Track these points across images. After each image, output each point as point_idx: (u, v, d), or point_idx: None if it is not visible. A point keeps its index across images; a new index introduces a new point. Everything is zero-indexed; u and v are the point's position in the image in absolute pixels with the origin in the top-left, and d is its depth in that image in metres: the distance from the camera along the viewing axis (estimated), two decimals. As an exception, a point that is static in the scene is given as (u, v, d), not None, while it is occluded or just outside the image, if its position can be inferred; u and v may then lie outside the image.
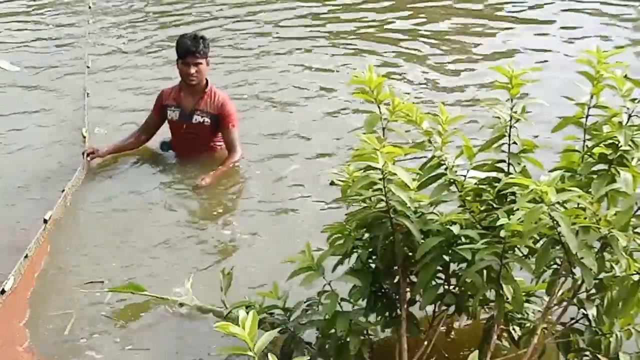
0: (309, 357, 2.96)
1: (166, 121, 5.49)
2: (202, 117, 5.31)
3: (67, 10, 9.50)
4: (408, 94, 6.28)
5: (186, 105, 5.35)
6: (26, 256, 3.73)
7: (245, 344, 2.39)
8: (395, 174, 2.83)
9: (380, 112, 2.92)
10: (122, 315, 3.78)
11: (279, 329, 2.83)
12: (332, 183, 3.13)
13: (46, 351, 3.53)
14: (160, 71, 7.18)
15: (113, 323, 3.72)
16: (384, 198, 2.89)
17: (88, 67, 7.18)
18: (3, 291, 3.38)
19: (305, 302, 3.29)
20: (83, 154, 5.38)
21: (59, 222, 4.59)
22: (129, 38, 8.36)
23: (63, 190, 4.63)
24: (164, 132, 5.56)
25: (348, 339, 3.04)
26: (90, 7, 8.80)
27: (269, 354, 2.50)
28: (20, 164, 5.46)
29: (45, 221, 4.14)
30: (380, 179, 2.85)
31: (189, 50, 5.15)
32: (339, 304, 3.06)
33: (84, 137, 5.63)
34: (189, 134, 5.38)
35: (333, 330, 3.06)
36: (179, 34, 5.73)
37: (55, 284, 4.03)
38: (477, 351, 2.51)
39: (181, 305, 3.72)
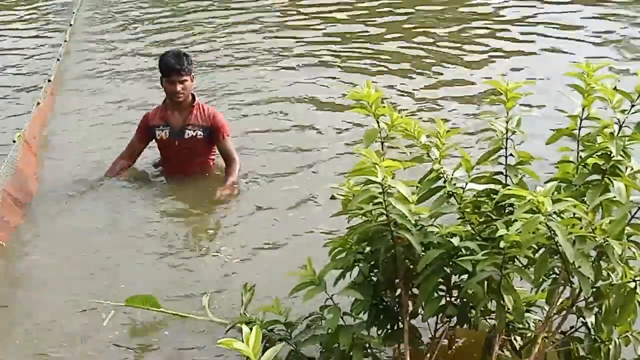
0: (313, 372, 2.98)
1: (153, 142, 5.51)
2: (194, 131, 5.34)
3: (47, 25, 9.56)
4: (404, 109, 6.34)
5: (175, 123, 5.37)
6: None
7: None
8: (395, 188, 2.87)
9: (379, 127, 2.97)
10: (133, 330, 3.80)
11: (282, 344, 2.84)
12: (332, 197, 3.16)
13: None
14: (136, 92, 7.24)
15: (123, 338, 3.73)
16: (384, 211, 2.93)
17: (49, 81, 7.14)
18: None
19: (307, 317, 3.32)
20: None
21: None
22: (106, 56, 8.41)
23: None
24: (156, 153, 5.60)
25: (351, 353, 3.06)
26: (71, 25, 8.81)
27: (273, 370, 2.54)
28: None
29: None
30: (380, 193, 2.89)
31: (174, 68, 5.18)
32: (342, 318, 3.09)
33: (14, 142, 5.45)
34: (182, 150, 5.39)
35: (336, 345, 3.08)
36: (160, 51, 5.77)
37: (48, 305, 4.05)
38: (481, 360, 2.56)
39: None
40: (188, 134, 5.35)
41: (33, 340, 3.71)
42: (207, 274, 4.30)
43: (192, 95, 5.38)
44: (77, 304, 3.98)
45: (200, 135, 5.35)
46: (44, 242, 4.74)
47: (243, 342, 2.50)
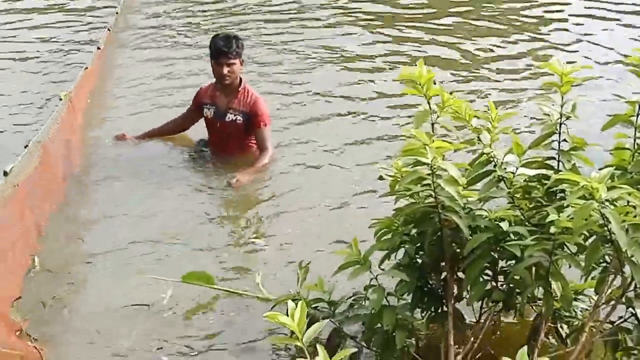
0: (356, 349, 2.98)
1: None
2: (234, 115, 5.35)
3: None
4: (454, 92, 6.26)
5: (221, 104, 5.40)
6: None
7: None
8: (444, 170, 2.84)
9: (430, 108, 2.94)
10: (188, 306, 3.83)
11: (325, 321, 2.84)
12: (380, 178, 3.14)
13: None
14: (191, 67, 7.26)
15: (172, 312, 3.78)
16: (432, 193, 2.90)
17: (99, 48, 7.16)
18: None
19: (350, 297, 3.33)
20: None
21: (88, 220, 4.67)
22: (158, 29, 8.47)
23: (26, 146, 4.44)
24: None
25: (394, 334, 3.05)
26: (117, 13, 8.86)
27: (317, 345, 2.55)
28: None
29: (5, 173, 3.92)
30: (429, 174, 2.86)
31: (222, 50, 5.18)
32: (386, 298, 3.08)
33: (61, 99, 5.50)
34: (223, 132, 5.43)
35: (379, 325, 3.09)
36: (214, 31, 5.78)
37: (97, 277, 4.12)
38: (525, 347, 2.51)
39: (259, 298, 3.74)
40: (229, 118, 5.38)
41: (94, 316, 3.77)
42: (253, 253, 4.33)
43: (240, 79, 5.38)
44: (132, 279, 4.03)
45: (240, 120, 5.36)
46: (87, 214, 4.81)
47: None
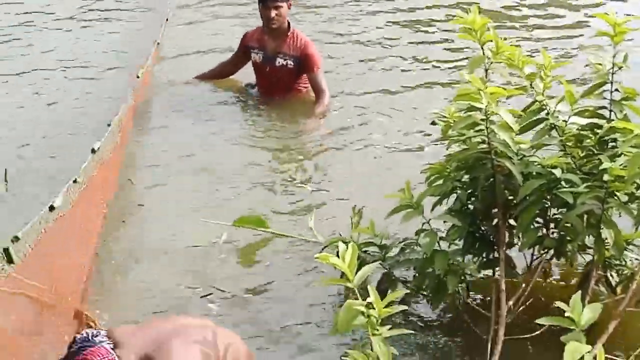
0: (407, 291, 3.03)
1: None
2: (284, 60, 5.37)
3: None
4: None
5: (269, 48, 5.41)
6: (75, 181, 3.34)
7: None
8: (498, 115, 2.86)
9: (484, 54, 2.95)
10: (241, 249, 3.90)
11: (376, 264, 2.89)
12: (433, 123, 3.17)
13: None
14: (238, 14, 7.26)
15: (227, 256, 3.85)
16: (486, 139, 2.93)
17: (167, 19, 7.14)
18: (52, 207, 2.94)
19: (402, 241, 3.36)
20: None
21: (138, 162, 4.76)
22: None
23: (109, 125, 4.36)
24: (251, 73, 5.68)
25: (445, 278, 3.10)
26: None
27: (368, 287, 2.60)
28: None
29: (94, 151, 3.90)
30: (482, 119, 2.88)
31: None
32: (438, 243, 3.12)
33: (138, 77, 5.45)
34: (273, 77, 5.45)
35: (430, 269, 3.13)
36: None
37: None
38: (579, 292, 2.54)
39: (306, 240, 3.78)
40: (279, 62, 5.39)
41: (156, 257, 3.85)
42: (305, 197, 4.37)
43: (288, 22, 5.38)
44: (185, 223, 4.11)
45: (291, 65, 5.38)
46: (140, 159, 4.89)
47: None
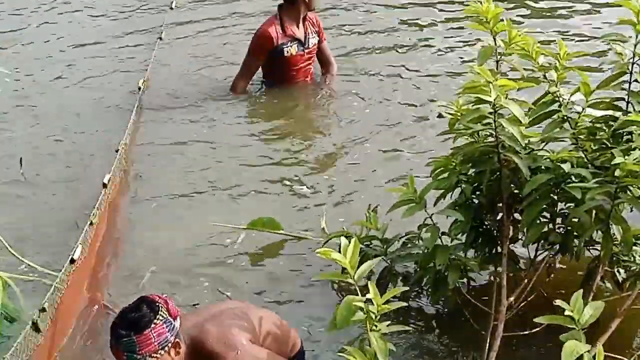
0: (407, 287, 2.96)
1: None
2: (313, 38, 5.39)
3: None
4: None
5: (300, 35, 5.35)
6: (91, 223, 3.47)
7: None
8: (507, 108, 2.76)
9: (495, 44, 2.84)
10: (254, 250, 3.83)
11: (378, 259, 2.83)
12: (439, 115, 3.08)
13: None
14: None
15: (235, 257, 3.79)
16: (493, 132, 2.84)
17: (172, 8, 7.05)
18: (72, 260, 3.18)
19: (404, 235, 3.30)
20: None
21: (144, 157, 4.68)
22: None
23: (117, 150, 4.34)
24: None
25: (447, 273, 3.04)
26: None
27: (368, 283, 2.54)
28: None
29: (105, 185, 3.91)
30: (490, 113, 2.79)
31: None
32: (440, 237, 3.06)
33: (139, 88, 5.36)
34: (308, 60, 5.43)
35: (432, 264, 3.07)
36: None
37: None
38: (581, 289, 2.48)
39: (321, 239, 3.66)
40: (312, 43, 5.39)
41: (162, 260, 3.78)
42: (313, 196, 4.27)
43: None
44: (198, 225, 4.02)
45: (316, 40, 5.42)
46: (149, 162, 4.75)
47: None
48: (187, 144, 4.92)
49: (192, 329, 2.62)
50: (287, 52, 5.31)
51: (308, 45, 5.35)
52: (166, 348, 2.47)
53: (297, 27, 5.32)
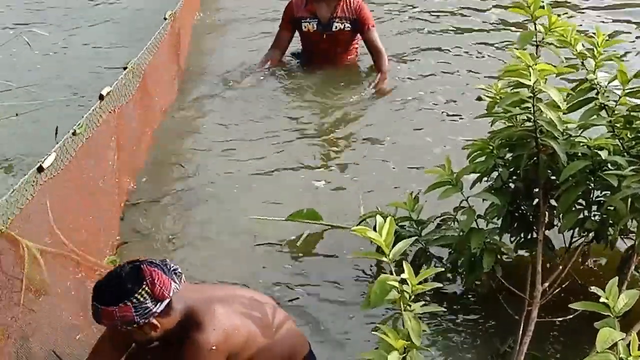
0: (442, 269, 2.99)
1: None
2: (342, 23, 5.33)
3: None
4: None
5: (323, 15, 5.34)
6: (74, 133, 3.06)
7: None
8: (546, 93, 2.78)
9: (536, 29, 2.86)
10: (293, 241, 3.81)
11: (413, 239, 2.85)
12: (478, 98, 3.10)
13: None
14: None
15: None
16: (531, 117, 2.85)
17: None
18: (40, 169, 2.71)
19: (438, 217, 3.32)
20: None
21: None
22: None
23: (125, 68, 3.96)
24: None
25: (481, 256, 3.05)
26: None
27: (403, 263, 2.57)
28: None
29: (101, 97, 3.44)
30: (529, 97, 2.80)
31: None
32: (475, 221, 3.07)
33: (165, 19, 5.04)
34: (330, 43, 5.40)
35: (467, 247, 3.07)
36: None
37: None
38: (616, 277, 2.49)
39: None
40: (336, 27, 5.34)
41: (204, 250, 3.77)
42: (351, 185, 4.23)
43: None
44: (237, 217, 3.99)
45: (348, 27, 5.34)
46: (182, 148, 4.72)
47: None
48: (227, 123, 4.91)
49: (200, 302, 2.49)
50: (305, 27, 5.39)
51: (330, 28, 5.32)
52: (130, 327, 2.39)
53: (326, 7, 5.32)
